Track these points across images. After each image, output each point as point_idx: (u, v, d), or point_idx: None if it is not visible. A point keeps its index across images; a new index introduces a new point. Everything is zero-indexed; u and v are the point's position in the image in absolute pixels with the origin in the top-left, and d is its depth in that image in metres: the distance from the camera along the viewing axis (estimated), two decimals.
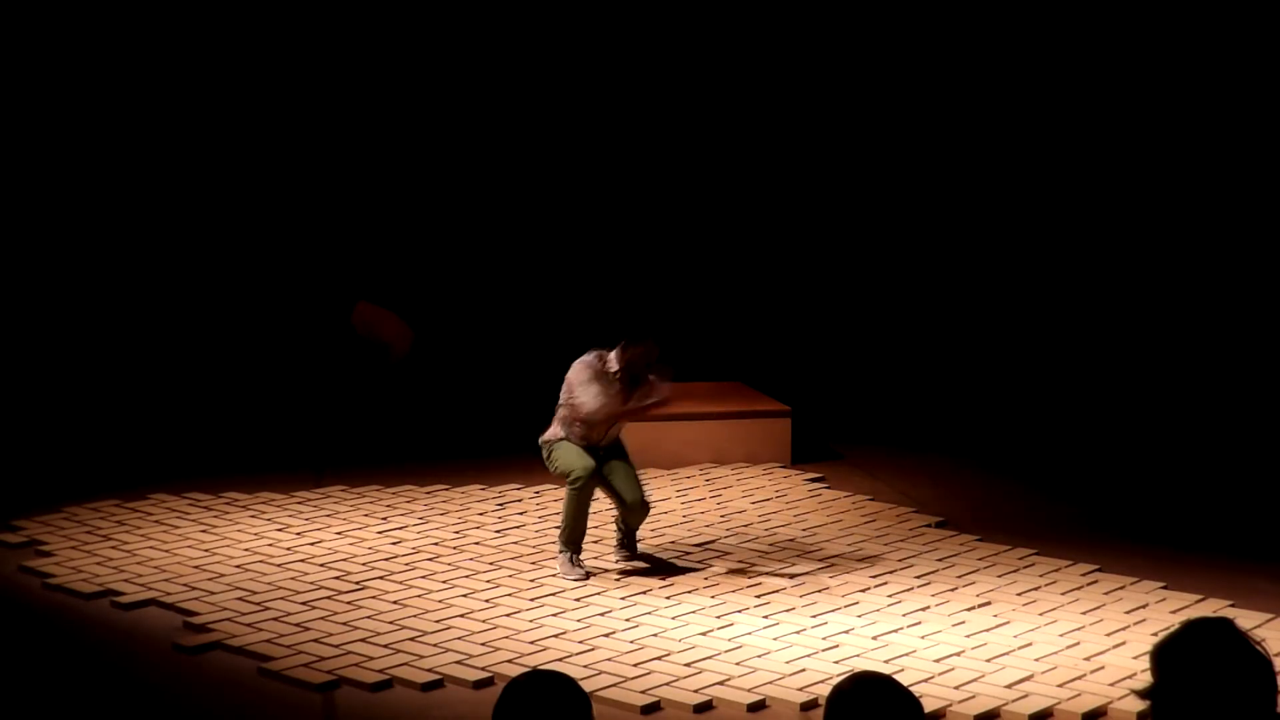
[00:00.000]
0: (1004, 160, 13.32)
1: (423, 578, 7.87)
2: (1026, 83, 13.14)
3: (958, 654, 6.74)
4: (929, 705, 5.98)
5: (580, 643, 6.87)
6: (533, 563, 8.16)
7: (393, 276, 13.33)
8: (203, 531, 8.71)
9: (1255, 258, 12.40)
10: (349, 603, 7.43)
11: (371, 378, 12.85)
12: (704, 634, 7.01)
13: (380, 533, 8.74)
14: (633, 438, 8.66)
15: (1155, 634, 6.84)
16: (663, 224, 13.49)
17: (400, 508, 9.34)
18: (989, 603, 7.50)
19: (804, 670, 6.52)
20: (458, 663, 6.59)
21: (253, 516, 9.07)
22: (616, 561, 8.14)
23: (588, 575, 7.88)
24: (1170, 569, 8.14)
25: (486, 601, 7.47)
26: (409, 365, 11.85)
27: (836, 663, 6.60)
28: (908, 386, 13.08)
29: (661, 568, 8.08)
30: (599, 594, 7.63)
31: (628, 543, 8.18)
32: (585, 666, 6.51)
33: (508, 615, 7.26)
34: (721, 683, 6.38)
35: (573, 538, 7.93)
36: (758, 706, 6.18)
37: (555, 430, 7.99)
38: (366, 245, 13.24)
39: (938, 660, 6.65)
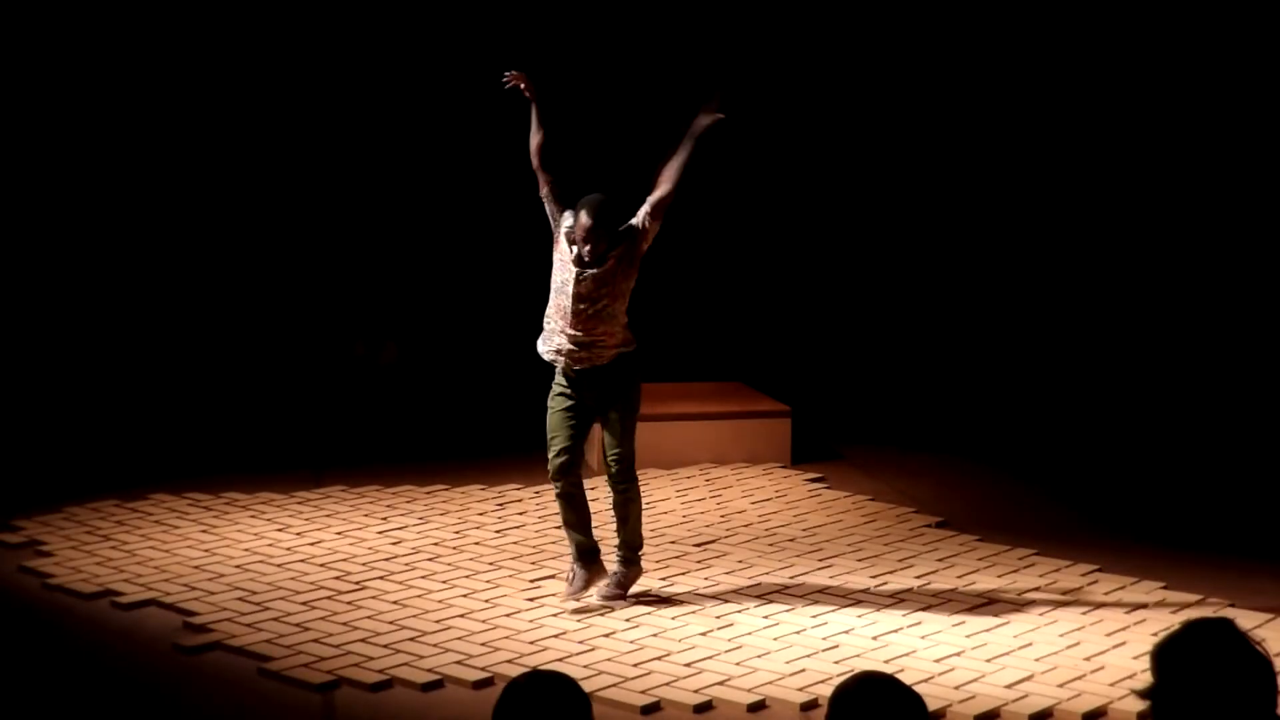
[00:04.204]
0: (1004, 159, 13.31)
1: (423, 578, 7.86)
2: (1027, 82, 13.13)
3: (958, 654, 6.74)
4: (929, 705, 5.97)
5: (580, 643, 6.87)
6: (533, 563, 8.15)
7: (394, 274, 13.32)
8: (203, 531, 8.71)
9: (1255, 257, 12.39)
10: (349, 603, 7.43)
11: (372, 378, 12.84)
12: (704, 634, 7.00)
13: (380, 533, 8.73)
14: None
15: (1155, 634, 6.84)
16: (662, 224, 13.47)
17: (400, 508, 9.33)
18: (989, 603, 7.50)
19: (804, 670, 6.52)
20: (458, 663, 6.59)
21: (253, 516, 9.07)
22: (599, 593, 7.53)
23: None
24: (1170, 569, 8.13)
25: (486, 601, 7.47)
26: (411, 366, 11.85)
27: (836, 663, 6.59)
28: (908, 386, 13.07)
29: (661, 568, 8.08)
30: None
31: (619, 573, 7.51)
32: (585, 666, 6.51)
33: (508, 615, 7.26)
34: (721, 683, 6.38)
35: (570, 539, 7.51)
36: (758, 706, 6.18)
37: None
38: (367, 241, 13.22)
39: (938, 660, 6.65)
